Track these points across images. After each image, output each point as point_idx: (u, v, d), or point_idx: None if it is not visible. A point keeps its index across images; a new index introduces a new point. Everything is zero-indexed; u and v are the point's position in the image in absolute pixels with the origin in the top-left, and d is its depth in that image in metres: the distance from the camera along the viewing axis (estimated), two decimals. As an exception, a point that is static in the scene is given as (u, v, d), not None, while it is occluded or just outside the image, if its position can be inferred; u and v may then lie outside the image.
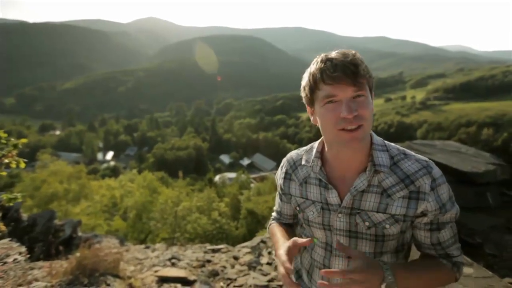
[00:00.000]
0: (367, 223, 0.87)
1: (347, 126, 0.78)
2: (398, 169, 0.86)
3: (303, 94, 0.88)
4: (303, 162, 0.99)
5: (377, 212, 0.85)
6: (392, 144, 0.92)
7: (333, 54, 0.81)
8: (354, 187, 0.86)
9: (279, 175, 1.07)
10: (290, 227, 1.15)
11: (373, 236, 0.88)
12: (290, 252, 0.83)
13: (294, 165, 1.02)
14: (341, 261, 0.93)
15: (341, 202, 0.89)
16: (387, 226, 0.86)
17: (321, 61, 0.81)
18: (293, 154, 1.05)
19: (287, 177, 1.03)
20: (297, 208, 1.01)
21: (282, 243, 0.94)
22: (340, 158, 0.89)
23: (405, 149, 0.91)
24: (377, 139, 0.90)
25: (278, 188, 1.10)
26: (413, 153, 0.89)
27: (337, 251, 0.93)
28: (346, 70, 0.77)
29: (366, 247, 0.90)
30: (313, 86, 0.82)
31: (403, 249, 0.94)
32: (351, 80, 0.77)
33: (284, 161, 1.07)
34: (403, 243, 0.93)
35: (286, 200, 1.08)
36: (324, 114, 0.81)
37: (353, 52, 0.81)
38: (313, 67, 0.82)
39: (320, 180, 0.93)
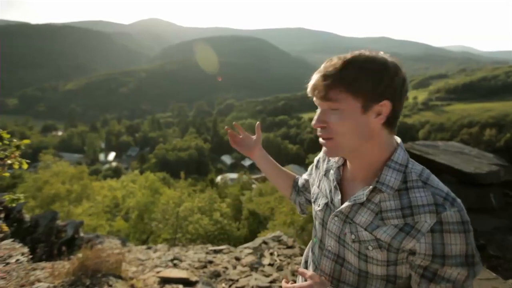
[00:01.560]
0: (353, 236, 0.82)
1: (319, 136, 0.81)
2: (406, 196, 0.76)
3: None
4: None
5: (365, 230, 0.80)
6: (420, 167, 0.80)
7: (326, 61, 0.79)
8: (354, 197, 0.83)
9: (316, 159, 1.12)
10: (292, 181, 1.24)
11: (356, 251, 0.82)
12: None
13: (326, 156, 1.04)
14: (328, 262, 0.91)
15: (341, 205, 0.88)
16: (370, 248, 0.79)
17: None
18: None
19: (317, 165, 1.08)
20: (313, 197, 1.03)
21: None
22: (349, 165, 0.89)
23: (431, 177, 0.77)
24: (400, 157, 0.80)
25: (309, 167, 1.16)
26: (438, 184, 0.76)
27: (327, 252, 0.91)
28: (315, 83, 0.77)
29: (351, 258, 0.85)
30: None
31: (394, 281, 0.81)
32: (315, 95, 0.78)
33: (323, 149, 1.11)
34: (395, 275, 0.80)
35: (307, 177, 1.16)
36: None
37: (347, 59, 0.74)
38: None
39: (334, 178, 0.93)
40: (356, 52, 0.76)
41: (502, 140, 52.45)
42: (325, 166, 1.01)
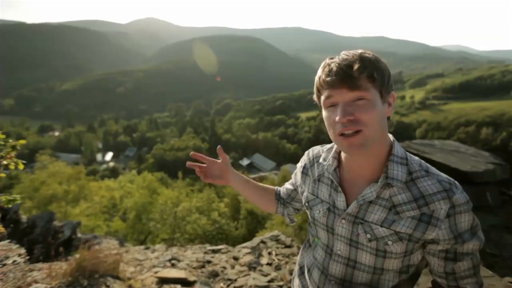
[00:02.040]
0: (368, 236, 0.82)
1: (344, 131, 0.76)
2: (415, 187, 0.79)
3: (315, 99, 0.88)
4: (321, 160, 0.98)
5: (381, 226, 0.80)
6: (416, 158, 0.85)
7: (336, 57, 0.79)
8: (362, 196, 0.82)
9: (298, 166, 1.10)
10: (274, 194, 1.22)
11: (373, 249, 0.82)
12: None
13: (313, 161, 1.03)
14: (339, 267, 0.89)
15: (347, 207, 0.86)
16: (390, 242, 0.80)
17: (323, 65, 0.81)
18: (315, 149, 1.06)
19: (304, 171, 1.05)
20: (306, 205, 1.00)
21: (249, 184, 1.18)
22: (352, 163, 0.87)
23: (428, 165, 0.83)
24: (399, 150, 0.84)
25: (293, 175, 1.15)
26: (437, 171, 0.81)
27: (336, 257, 0.90)
28: (340, 74, 0.75)
29: (366, 259, 0.84)
30: (317, 91, 0.83)
31: (408, 271, 0.86)
32: (346, 84, 0.74)
33: (305, 154, 1.09)
34: (408, 264, 0.84)
35: (292, 186, 1.16)
36: (326, 118, 0.81)
37: (360, 53, 0.77)
38: (318, 71, 0.83)
39: (332, 181, 0.91)
40: (359, 50, 0.79)
41: (498, 139, 52.75)
42: (316, 171, 0.99)
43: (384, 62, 0.79)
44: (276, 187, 1.26)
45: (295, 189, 1.15)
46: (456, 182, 0.80)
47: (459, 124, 65.96)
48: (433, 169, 0.82)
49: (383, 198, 0.81)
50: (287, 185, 1.20)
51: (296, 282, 1.08)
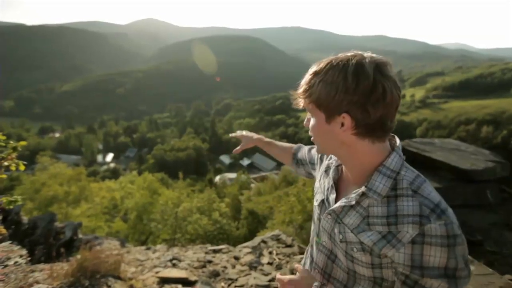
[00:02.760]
0: (340, 236, 0.85)
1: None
2: (393, 204, 0.75)
3: None
4: None
5: (351, 231, 0.81)
6: (414, 175, 0.77)
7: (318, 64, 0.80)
8: (346, 199, 0.84)
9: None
10: (291, 154, 1.33)
11: (343, 251, 0.85)
12: None
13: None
14: (322, 257, 0.94)
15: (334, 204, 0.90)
16: (355, 249, 0.81)
17: None
18: None
19: (321, 157, 1.10)
20: (315, 191, 1.05)
21: None
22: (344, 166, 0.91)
23: (424, 186, 0.74)
24: (394, 163, 0.77)
25: (317, 156, 1.17)
26: (430, 195, 0.73)
27: (321, 247, 0.95)
28: (293, 95, 0.84)
29: (340, 257, 0.88)
30: None
31: (381, 284, 0.81)
32: (296, 104, 0.84)
33: None
34: (382, 277, 0.80)
35: (314, 159, 1.19)
36: None
37: (312, 72, 0.78)
38: None
39: (332, 177, 0.95)
40: (329, 59, 0.75)
41: (499, 137, 52.74)
42: (326, 162, 1.03)
43: (359, 74, 0.69)
44: (297, 146, 1.37)
45: (311, 160, 1.22)
46: (446, 212, 0.70)
47: (460, 122, 65.93)
48: (425, 191, 0.73)
49: (362, 205, 0.80)
50: (309, 152, 1.25)
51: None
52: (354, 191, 0.82)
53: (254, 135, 1.46)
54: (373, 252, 0.77)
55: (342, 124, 0.74)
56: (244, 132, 1.48)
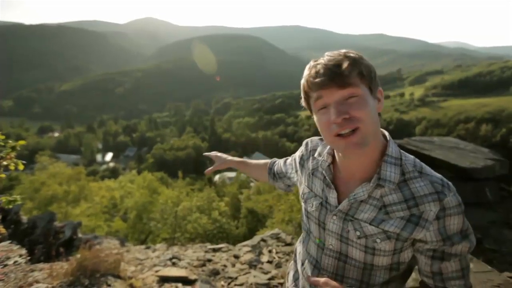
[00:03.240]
0: (358, 233, 0.83)
1: (340, 131, 0.75)
2: (406, 188, 0.78)
3: (303, 103, 0.87)
4: (316, 154, 0.98)
5: (370, 224, 0.81)
6: (411, 157, 0.84)
7: (321, 58, 0.79)
8: (354, 195, 0.82)
9: (297, 155, 1.10)
10: (266, 169, 1.30)
11: (363, 246, 0.83)
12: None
13: (309, 153, 1.02)
14: (331, 261, 0.90)
15: (339, 204, 0.86)
16: (378, 240, 0.80)
17: (309, 67, 0.80)
18: (314, 141, 1.05)
19: (301, 162, 1.05)
20: (303, 197, 1.01)
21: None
22: (345, 161, 0.86)
23: (423, 165, 0.82)
24: (394, 150, 0.82)
25: (292, 159, 1.16)
26: (431, 171, 0.81)
27: (328, 251, 0.91)
28: (328, 73, 0.74)
29: (356, 255, 0.85)
30: (305, 95, 0.82)
31: (398, 268, 0.85)
32: (335, 83, 0.73)
33: (303, 144, 1.08)
34: (398, 261, 0.84)
35: (286, 169, 1.18)
36: (319, 120, 0.80)
37: (344, 52, 0.77)
38: (304, 74, 0.81)
39: (325, 177, 0.92)
40: (343, 50, 0.79)
41: (498, 135, 52.82)
42: (310, 165, 0.99)
43: (367, 60, 0.79)
44: (271, 161, 1.33)
45: (287, 172, 1.19)
46: (449, 183, 0.79)
47: (459, 120, 66.02)
48: (427, 169, 0.81)
49: (374, 197, 0.81)
50: (285, 164, 1.22)
51: (291, 275, 1.12)
52: (362, 186, 0.81)
53: (227, 157, 1.43)
54: (400, 237, 0.78)
55: (378, 99, 0.80)
56: (218, 154, 1.45)
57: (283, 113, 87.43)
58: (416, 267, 0.89)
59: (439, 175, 0.80)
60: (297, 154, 1.10)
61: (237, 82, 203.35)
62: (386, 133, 0.86)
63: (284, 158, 1.25)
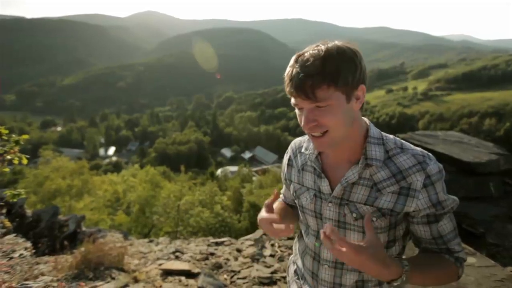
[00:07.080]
0: (354, 215, 0.87)
1: (311, 133, 0.82)
2: (392, 163, 0.84)
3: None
4: (302, 150, 1.00)
5: (365, 204, 0.85)
6: (391, 136, 0.90)
7: (304, 54, 0.78)
8: (345, 179, 0.86)
9: (285, 161, 1.10)
10: (292, 207, 1.18)
11: (360, 227, 0.88)
12: (270, 206, 0.93)
13: (296, 152, 1.05)
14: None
15: (332, 191, 0.90)
16: (374, 219, 0.85)
17: (290, 65, 0.80)
18: (297, 140, 1.08)
19: (290, 163, 1.07)
20: (294, 194, 1.03)
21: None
22: (331, 149, 0.89)
23: (403, 142, 0.88)
24: (374, 131, 0.88)
25: (283, 174, 1.13)
26: (411, 146, 0.87)
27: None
28: (298, 84, 0.75)
29: (354, 238, 0.89)
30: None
31: (394, 244, 0.92)
32: (304, 95, 0.75)
33: (289, 147, 1.10)
34: (394, 238, 0.91)
35: (287, 186, 1.12)
36: (297, 116, 0.84)
37: (322, 54, 0.75)
38: (286, 70, 0.81)
39: (314, 168, 0.94)
40: (326, 45, 0.77)
41: (502, 130, 52.47)
42: (299, 161, 1.02)
43: (354, 51, 0.77)
44: (280, 199, 1.22)
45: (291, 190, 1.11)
46: (429, 154, 0.85)
47: (462, 115, 65.54)
48: (407, 145, 0.87)
49: (364, 177, 0.86)
50: (286, 192, 1.17)
51: (291, 269, 1.14)
52: (351, 168, 0.86)
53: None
54: (393, 213, 0.84)
55: (357, 98, 0.81)
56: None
57: (285, 107, 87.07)
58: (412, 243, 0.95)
59: (418, 148, 0.86)
60: (285, 160, 1.10)
61: (239, 76, 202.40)
62: (366, 119, 0.91)
63: (283, 190, 1.20)
